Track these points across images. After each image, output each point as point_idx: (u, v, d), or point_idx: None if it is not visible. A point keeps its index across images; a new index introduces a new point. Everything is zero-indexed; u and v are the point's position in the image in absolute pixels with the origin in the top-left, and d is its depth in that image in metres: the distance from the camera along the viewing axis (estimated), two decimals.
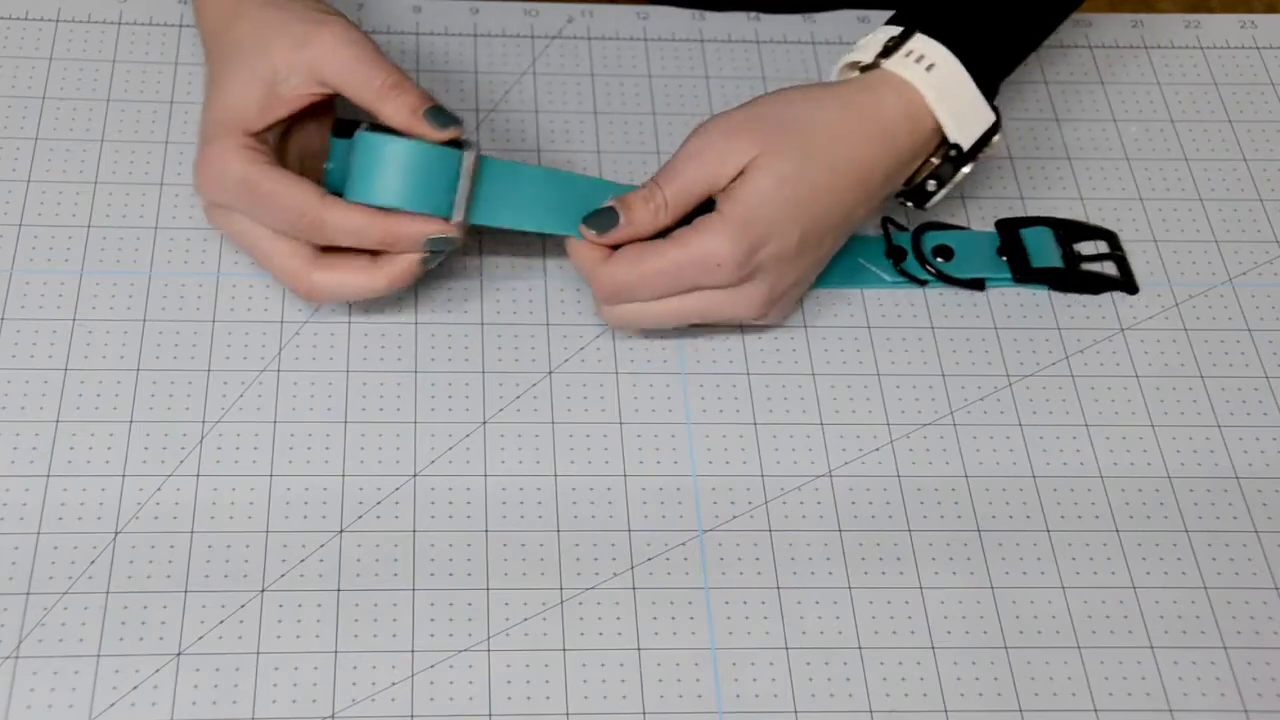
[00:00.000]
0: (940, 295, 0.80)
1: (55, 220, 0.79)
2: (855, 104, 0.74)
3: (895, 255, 0.81)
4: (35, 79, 0.84)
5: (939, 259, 0.81)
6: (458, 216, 0.72)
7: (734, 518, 0.72)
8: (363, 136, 0.72)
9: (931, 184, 0.77)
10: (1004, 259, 0.81)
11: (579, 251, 0.74)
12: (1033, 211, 0.84)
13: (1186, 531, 0.73)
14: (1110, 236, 0.83)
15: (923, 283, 0.81)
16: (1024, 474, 0.75)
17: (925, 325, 0.79)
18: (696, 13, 0.91)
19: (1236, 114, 0.90)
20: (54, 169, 0.81)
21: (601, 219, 0.73)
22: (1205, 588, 0.72)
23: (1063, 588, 0.71)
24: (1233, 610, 0.71)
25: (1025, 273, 0.81)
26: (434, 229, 0.72)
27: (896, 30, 0.76)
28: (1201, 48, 0.93)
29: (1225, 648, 0.70)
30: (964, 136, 0.75)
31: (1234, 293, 0.82)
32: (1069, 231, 0.83)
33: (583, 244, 0.74)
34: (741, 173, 0.72)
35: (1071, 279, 0.81)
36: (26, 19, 0.87)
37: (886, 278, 0.80)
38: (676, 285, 0.73)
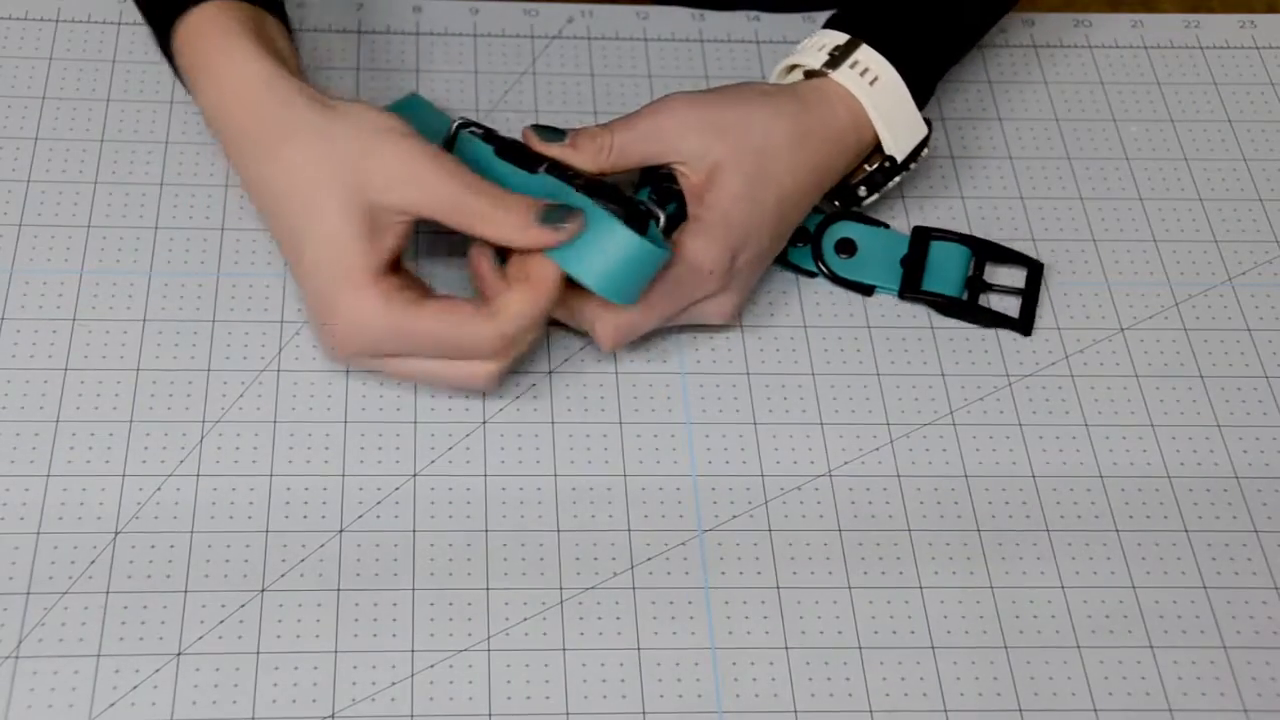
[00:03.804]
0: None
1: (55, 220, 0.79)
2: (810, 113, 0.75)
3: (800, 236, 0.80)
4: (35, 79, 0.84)
5: (841, 254, 0.80)
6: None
7: (734, 518, 0.72)
8: (600, 215, 0.69)
9: (863, 190, 0.79)
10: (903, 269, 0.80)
11: (579, 300, 0.72)
12: (1032, 212, 0.84)
13: (1186, 531, 0.73)
14: (1035, 267, 0.81)
15: (811, 274, 0.80)
16: (1024, 474, 0.75)
17: (925, 325, 0.79)
18: (696, 12, 0.91)
19: (1236, 114, 0.90)
20: (54, 169, 0.81)
21: (546, 132, 0.73)
22: (1205, 588, 0.72)
23: (1063, 588, 0.71)
24: (1233, 610, 0.71)
25: (914, 290, 0.79)
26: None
27: (842, 38, 0.77)
28: (1201, 48, 0.93)
29: (1225, 648, 0.70)
30: (899, 150, 0.77)
31: (1234, 293, 0.82)
32: (990, 255, 0.81)
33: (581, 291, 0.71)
34: (710, 179, 0.73)
35: (958, 308, 0.79)
36: (26, 19, 0.87)
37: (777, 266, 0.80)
38: (677, 305, 0.73)
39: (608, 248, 0.69)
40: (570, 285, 0.70)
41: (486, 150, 0.72)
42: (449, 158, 0.69)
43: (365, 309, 0.68)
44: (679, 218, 0.74)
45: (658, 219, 0.72)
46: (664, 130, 0.73)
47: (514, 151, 0.73)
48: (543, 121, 0.85)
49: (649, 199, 0.76)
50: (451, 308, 0.69)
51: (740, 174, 0.73)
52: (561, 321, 0.75)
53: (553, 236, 0.69)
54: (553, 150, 0.73)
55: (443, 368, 0.70)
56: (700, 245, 0.72)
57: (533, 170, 0.71)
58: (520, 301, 0.69)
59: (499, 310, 0.69)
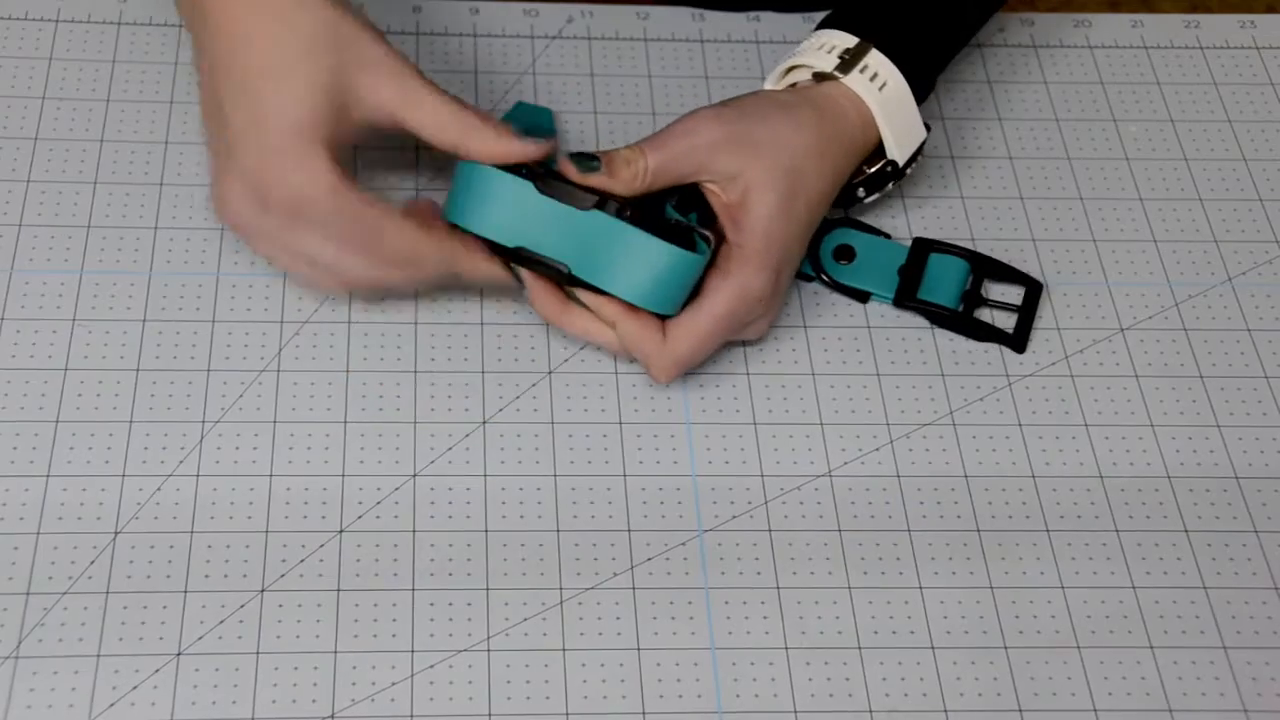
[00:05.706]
0: None
1: (55, 220, 0.79)
2: (826, 120, 0.75)
3: None
4: (35, 79, 0.84)
5: (839, 260, 0.80)
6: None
7: (734, 518, 0.72)
8: (653, 242, 0.70)
9: (861, 191, 0.79)
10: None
11: (634, 337, 0.72)
12: (1032, 212, 0.84)
13: (1186, 531, 0.73)
14: (1033, 285, 0.80)
15: (808, 279, 0.80)
16: (1024, 474, 0.75)
17: (925, 325, 0.79)
18: (696, 12, 0.91)
19: (1236, 114, 0.90)
20: (54, 169, 0.81)
21: (583, 160, 0.72)
22: (1205, 588, 0.72)
23: (1062, 588, 0.71)
24: (1232, 610, 0.71)
25: (909, 299, 0.79)
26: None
27: (850, 41, 0.77)
28: (1201, 48, 0.93)
29: (1225, 648, 0.70)
30: (900, 154, 0.78)
31: (1233, 292, 0.82)
32: (990, 271, 0.81)
33: (636, 328, 0.72)
34: (743, 200, 0.73)
35: (951, 320, 0.79)
36: (26, 19, 0.87)
37: None
38: (730, 334, 0.74)
39: (656, 265, 0.70)
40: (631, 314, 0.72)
41: (525, 187, 0.70)
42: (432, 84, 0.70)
43: (315, 172, 0.67)
44: (707, 225, 0.74)
45: (708, 240, 0.72)
46: (696, 151, 0.73)
47: (557, 188, 0.71)
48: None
49: (674, 210, 0.75)
50: (438, 240, 0.70)
51: (774, 193, 0.73)
52: (603, 345, 0.75)
53: (533, 150, 0.71)
54: (591, 180, 0.71)
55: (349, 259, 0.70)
56: (750, 274, 0.72)
57: (583, 207, 0.70)
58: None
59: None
